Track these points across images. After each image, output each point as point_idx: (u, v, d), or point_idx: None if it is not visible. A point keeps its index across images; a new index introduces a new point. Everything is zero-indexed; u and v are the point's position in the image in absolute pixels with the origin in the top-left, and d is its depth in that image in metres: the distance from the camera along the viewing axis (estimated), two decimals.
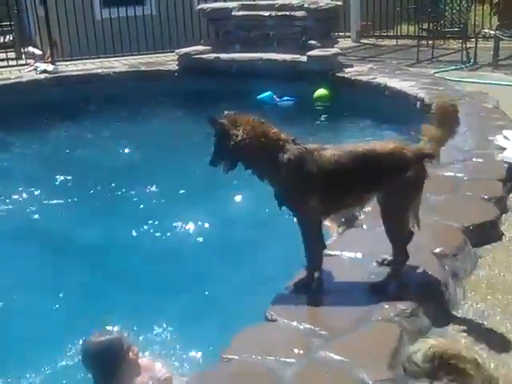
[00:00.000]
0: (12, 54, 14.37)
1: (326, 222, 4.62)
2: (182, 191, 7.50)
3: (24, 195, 7.75)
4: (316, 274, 4.11)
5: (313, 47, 11.75)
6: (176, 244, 6.16)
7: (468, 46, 12.27)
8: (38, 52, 14.33)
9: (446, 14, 13.02)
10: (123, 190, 7.70)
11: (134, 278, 5.56)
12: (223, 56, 12.21)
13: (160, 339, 4.62)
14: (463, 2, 12.89)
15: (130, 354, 3.81)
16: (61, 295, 5.37)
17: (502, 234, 5.07)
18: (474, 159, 6.45)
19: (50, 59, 13.27)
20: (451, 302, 4.13)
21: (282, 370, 3.28)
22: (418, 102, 9.21)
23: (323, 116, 10.87)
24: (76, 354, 4.23)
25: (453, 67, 11.57)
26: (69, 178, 8.32)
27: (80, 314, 4.93)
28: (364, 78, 10.81)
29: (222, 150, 3.96)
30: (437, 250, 4.49)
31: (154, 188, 7.67)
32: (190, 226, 6.54)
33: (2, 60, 14.10)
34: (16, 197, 7.71)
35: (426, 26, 13.39)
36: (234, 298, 5.00)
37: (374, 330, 3.66)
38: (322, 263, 4.16)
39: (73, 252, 6.25)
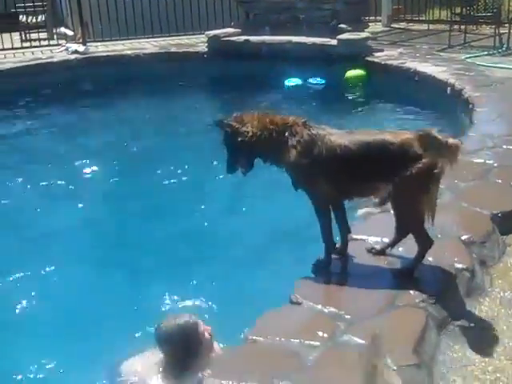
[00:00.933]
0: (44, 35, 14.53)
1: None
2: (202, 171, 7.56)
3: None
4: (333, 256, 4.14)
5: (343, 31, 11.70)
6: (203, 228, 6.18)
7: (501, 31, 12.09)
8: (70, 33, 14.43)
9: None
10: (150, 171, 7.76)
11: (158, 262, 5.60)
12: (252, 38, 12.18)
13: None
14: None
15: (206, 334, 3.81)
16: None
17: None
18: (505, 146, 6.37)
19: (81, 40, 13.37)
20: (478, 289, 4.11)
21: (306, 352, 3.28)
22: (449, 88, 9.12)
23: (352, 99, 10.82)
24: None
25: (485, 53, 11.42)
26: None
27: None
28: (394, 63, 10.73)
29: (235, 151, 4.00)
30: (464, 237, 4.46)
31: (178, 170, 7.70)
32: (215, 212, 6.54)
33: (35, 40, 14.29)
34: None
35: (458, 10, 13.22)
36: (259, 281, 5.02)
37: (400, 315, 3.65)
38: (347, 247, 4.17)
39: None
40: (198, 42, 13.37)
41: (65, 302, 5.03)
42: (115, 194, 7.30)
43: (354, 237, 4.43)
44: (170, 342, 3.72)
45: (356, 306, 3.74)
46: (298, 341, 3.38)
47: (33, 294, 5.18)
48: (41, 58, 12.42)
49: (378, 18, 15.11)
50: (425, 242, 3.97)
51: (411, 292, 3.80)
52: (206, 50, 12.59)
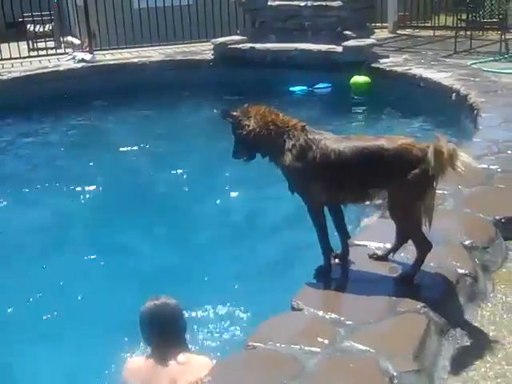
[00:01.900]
0: (51, 44, 14.59)
1: None
2: (209, 175, 7.58)
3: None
4: (332, 260, 4.15)
5: (348, 38, 11.70)
6: (205, 228, 6.21)
7: (507, 37, 12.08)
8: (77, 41, 14.52)
9: (485, 4, 12.81)
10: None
11: (162, 259, 5.63)
12: (258, 46, 12.22)
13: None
14: None
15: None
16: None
17: None
18: (509, 151, 6.36)
19: (88, 48, 13.42)
20: (480, 294, 4.10)
21: (307, 358, 3.28)
22: (454, 94, 9.11)
23: (357, 106, 10.83)
24: None
25: (490, 58, 11.41)
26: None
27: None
28: (399, 69, 10.74)
29: (237, 141, 4.07)
30: (467, 242, 4.45)
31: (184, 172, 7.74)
32: (217, 218, 6.57)
33: (42, 49, 14.35)
34: None
35: (464, 16, 13.21)
36: (260, 287, 5.03)
37: (401, 320, 3.65)
38: (348, 253, 4.18)
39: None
40: (203, 50, 13.42)
41: (72, 303, 5.08)
42: (119, 203, 7.32)
43: (356, 243, 4.44)
44: (157, 320, 3.74)
45: (357, 312, 3.73)
46: (298, 347, 3.37)
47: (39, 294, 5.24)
48: (47, 67, 12.48)
49: (383, 24, 15.13)
50: (423, 246, 3.95)
51: (413, 297, 3.79)
52: (212, 57, 12.62)
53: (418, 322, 3.61)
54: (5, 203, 7.38)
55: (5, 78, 11.62)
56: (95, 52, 13.33)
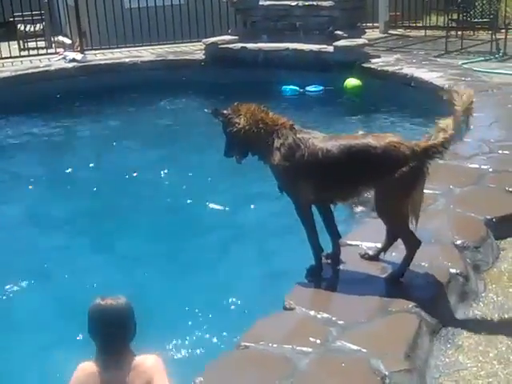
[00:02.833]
0: (42, 43, 14.54)
1: None
2: (203, 177, 7.58)
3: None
4: (327, 261, 4.16)
5: (340, 37, 11.70)
6: (198, 230, 6.21)
7: (498, 37, 12.12)
8: (68, 41, 14.45)
9: (476, 4, 12.83)
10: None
11: (151, 262, 5.63)
12: (250, 46, 12.21)
13: (178, 326, 4.65)
14: None
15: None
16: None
17: None
18: (500, 151, 6.38)
19: (79, 48, 13.38)
20: (472, 294, 4.11)
21: (299, 358, 3.29)
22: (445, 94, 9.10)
23: (348, 105, 10.83)
24: None
25: (481, 58, 11.45)
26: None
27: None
28: (390, 69, 10.74)
29: (228, 139, 4.10)
30: (458, 242, 4.47)
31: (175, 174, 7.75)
32: (210, 218, 6.56)
33: (33, 49, 14.29)
34: None
35: (455, 16, 13.23)
36: (252, 287, 5.02)
37: (393, 320, 3.66)
38: (339, 253, 4.19)
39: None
40: (195, 50, 13.39)
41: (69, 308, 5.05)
42: (114, 203, 7.30)
43: (348, 242, 4.46)
44: (117, 319, 3.33)
45: (349, 312, 3.74)
46: (290, 347, 3.38)
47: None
48: (38, 67, 12.43)
49: (375, 24, 15.11)
50: (412, 244, 3.96)
51: (404, 297, 3.81)
52: (204, 57, 12.59)
53: (410, 321, 3.63)
54: None
55: None
56: (86, 52, 13.29)
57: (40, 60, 13.18)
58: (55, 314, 4.94)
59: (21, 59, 13.35)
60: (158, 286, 5.19)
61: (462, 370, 3.43)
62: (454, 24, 13.23)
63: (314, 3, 12.11)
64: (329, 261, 4.20)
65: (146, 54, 13.43)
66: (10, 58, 13.26)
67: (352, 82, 10.82)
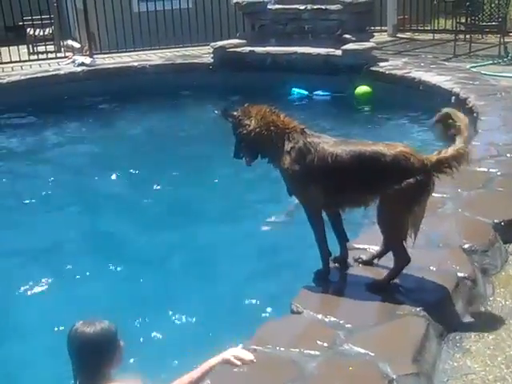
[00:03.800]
0: (51, 47, 14.60)
1: None
2: (211, 181, 7.59)
3: None
4: (335, 265, 4.16)
5: (348, 41, 11.71)
6: (204, 234, 6.21)
7: (506, 40, 12.11)
8: (77, 45, 14.52)
9: (484, 7, 12.83)
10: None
11: (159, 268, 5.64)
12: (258, 49, 12.23)
13: (185, 329, 4.67)
14: None
15: (121, 341, 3.36)
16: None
17: None
18: (508, 154, 6.37)
19: (88, 52, 13.44)
20: (479, 297, 4.11)
21: (306, 362, 3.29)
22: (453, 97, 9.11)
23: (356, 109, 10.82)
24: None
25: (490, 62, 11.43)
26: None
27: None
28: (398, 72, 10.73)
29: (238, 141, 4.08)
30: (466, 246, 4.46)
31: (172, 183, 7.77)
32: (215, 223, 6.53)
33: (42, 53, 14.36)
34: None
35: (463, 19, 13.22)
36: (260, 290, 5.02)
37: (400, 323, 3.65)
38: (347, 256, 4.19)
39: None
40: (203, 53, 13.41)
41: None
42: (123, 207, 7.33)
43: (356, 246, 4.45)
44: (90, 347, 3.21)
45: (356, 315, 3.74)
46: (297, 350, 3.38)
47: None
48: (48, 71, 12.47)
49: (383, 27, 15.13)
50: (402, 260, 3.92)
51: (412, 301, 3.80)
52: (212, 61, 12.61)
53: (418, 325, 3.62)
54: None
55: (5, 81, 11.62)
56: (95, 56, 13.35)
57: (49, 64, 13.23)
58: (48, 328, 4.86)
59: (30, 63, 13.43)
60: (166, 289, 5.20)
61: (469, 374, 3.43)
62: (462, 27, 13.22)
63: (323, 7, 12.12)
64: (336, 264, 4.20)
65: (154, 57, 13.48)
66: (20, 61, 13.35)
67: (362, 88, 10.80)
